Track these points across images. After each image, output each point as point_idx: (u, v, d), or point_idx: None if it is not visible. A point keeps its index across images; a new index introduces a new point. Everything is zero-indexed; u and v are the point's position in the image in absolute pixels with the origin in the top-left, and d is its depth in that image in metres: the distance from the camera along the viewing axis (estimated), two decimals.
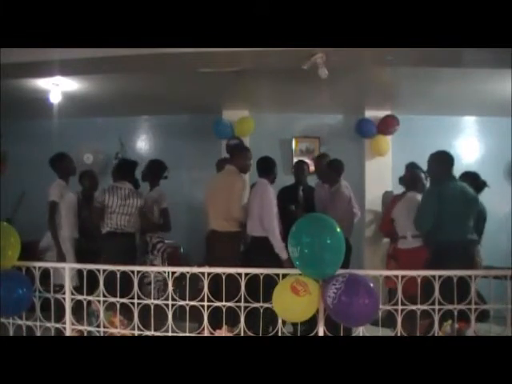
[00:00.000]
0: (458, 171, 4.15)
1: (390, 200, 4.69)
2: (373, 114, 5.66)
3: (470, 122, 6.03)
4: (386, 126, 5.59)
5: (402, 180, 4.61)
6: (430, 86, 4.71)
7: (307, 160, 5.23)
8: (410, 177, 4.26)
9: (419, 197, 4.04)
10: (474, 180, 3.95)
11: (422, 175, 4.19)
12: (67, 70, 3.76)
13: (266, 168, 4.08)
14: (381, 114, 5.61)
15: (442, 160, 3.69)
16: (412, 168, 4.32)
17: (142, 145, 6.25)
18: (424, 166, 4.14)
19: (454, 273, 2.72)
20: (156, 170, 4.47)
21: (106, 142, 5.91)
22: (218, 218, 3.96)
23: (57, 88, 4.71)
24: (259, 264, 2.94)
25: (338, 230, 2.47)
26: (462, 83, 4.59)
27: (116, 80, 4.62)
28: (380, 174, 5.57)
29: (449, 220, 3.43)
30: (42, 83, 4.58)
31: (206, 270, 2.85)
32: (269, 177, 4.06)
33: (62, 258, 3.90)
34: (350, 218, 4.32)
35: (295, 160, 5.40)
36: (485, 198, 3.94)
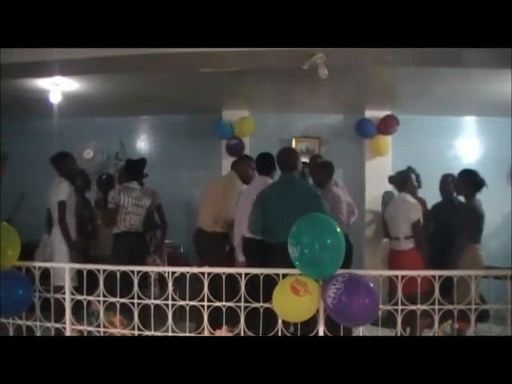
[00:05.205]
0: (457, 171, 4.17)
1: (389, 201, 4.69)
2: (373, 113, 5.65)
3: (469, 122, 6.02)
4: (386, 126, 5.58)
5: (391, 179, 4.61)
6: (430, 86, 4.70)
7: (307, 160, 5.21)
8: (399, 177, 4.25)
9: (410, 198, 4.05)
10: (472, 178, 3.94)
11: (413, 176, 4.19)
12: (67, 69, 3.75)
13: (268, 164, 3.99)
14: (381, 113, 5.60)
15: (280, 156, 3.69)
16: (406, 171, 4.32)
17: (142, 145, 6.25)
18: (425, 166, 4.14)
19: (454, 273, 2.73)
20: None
21: (106, 142, 5.91)
22: (207, 218, 3.97)
23: (57, 88, 4.71)
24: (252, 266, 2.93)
25: (338, 230, 2.47)
26: (462, 83, 4.58)
27: (116, 80, 4.61)
28: (380, 174, 5.54)
29: (274, 220, 3.38)
30: (42, 83, 4.57)
31: (206, 269, 2.85)
32: (270, 174, 4.01)
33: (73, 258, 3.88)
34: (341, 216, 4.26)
35: None
36: (485, 197, 3.93)
